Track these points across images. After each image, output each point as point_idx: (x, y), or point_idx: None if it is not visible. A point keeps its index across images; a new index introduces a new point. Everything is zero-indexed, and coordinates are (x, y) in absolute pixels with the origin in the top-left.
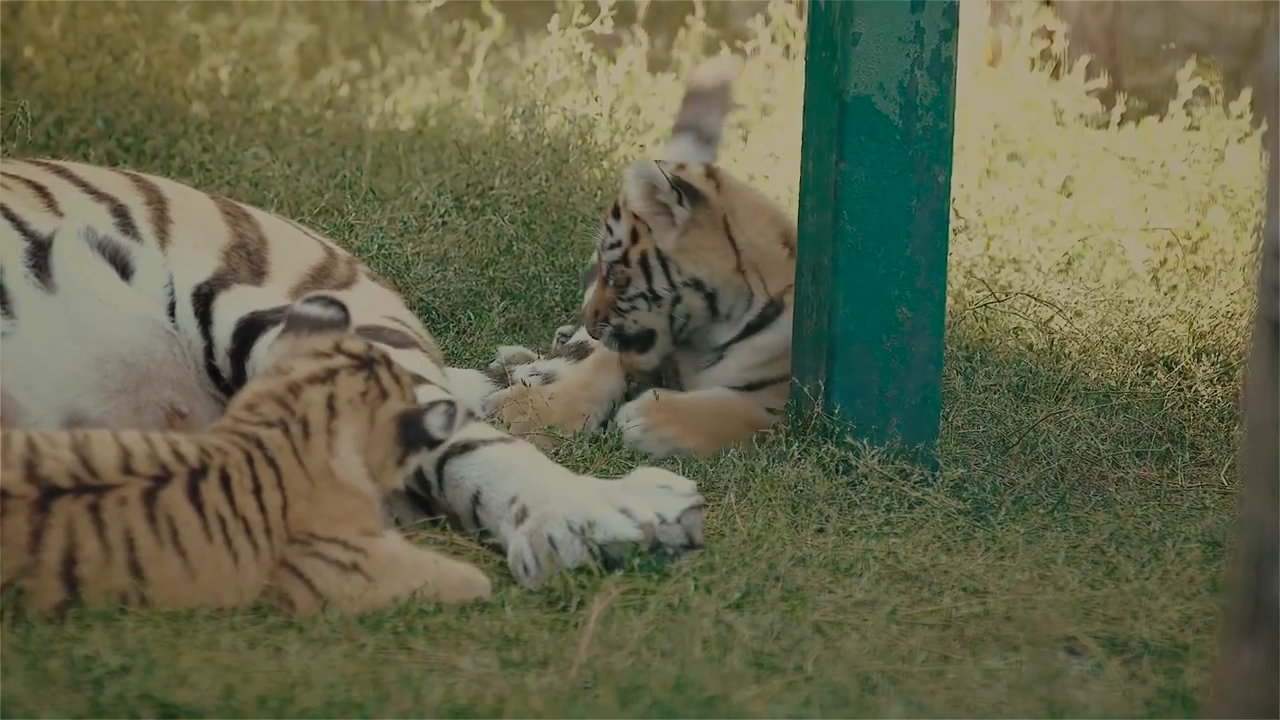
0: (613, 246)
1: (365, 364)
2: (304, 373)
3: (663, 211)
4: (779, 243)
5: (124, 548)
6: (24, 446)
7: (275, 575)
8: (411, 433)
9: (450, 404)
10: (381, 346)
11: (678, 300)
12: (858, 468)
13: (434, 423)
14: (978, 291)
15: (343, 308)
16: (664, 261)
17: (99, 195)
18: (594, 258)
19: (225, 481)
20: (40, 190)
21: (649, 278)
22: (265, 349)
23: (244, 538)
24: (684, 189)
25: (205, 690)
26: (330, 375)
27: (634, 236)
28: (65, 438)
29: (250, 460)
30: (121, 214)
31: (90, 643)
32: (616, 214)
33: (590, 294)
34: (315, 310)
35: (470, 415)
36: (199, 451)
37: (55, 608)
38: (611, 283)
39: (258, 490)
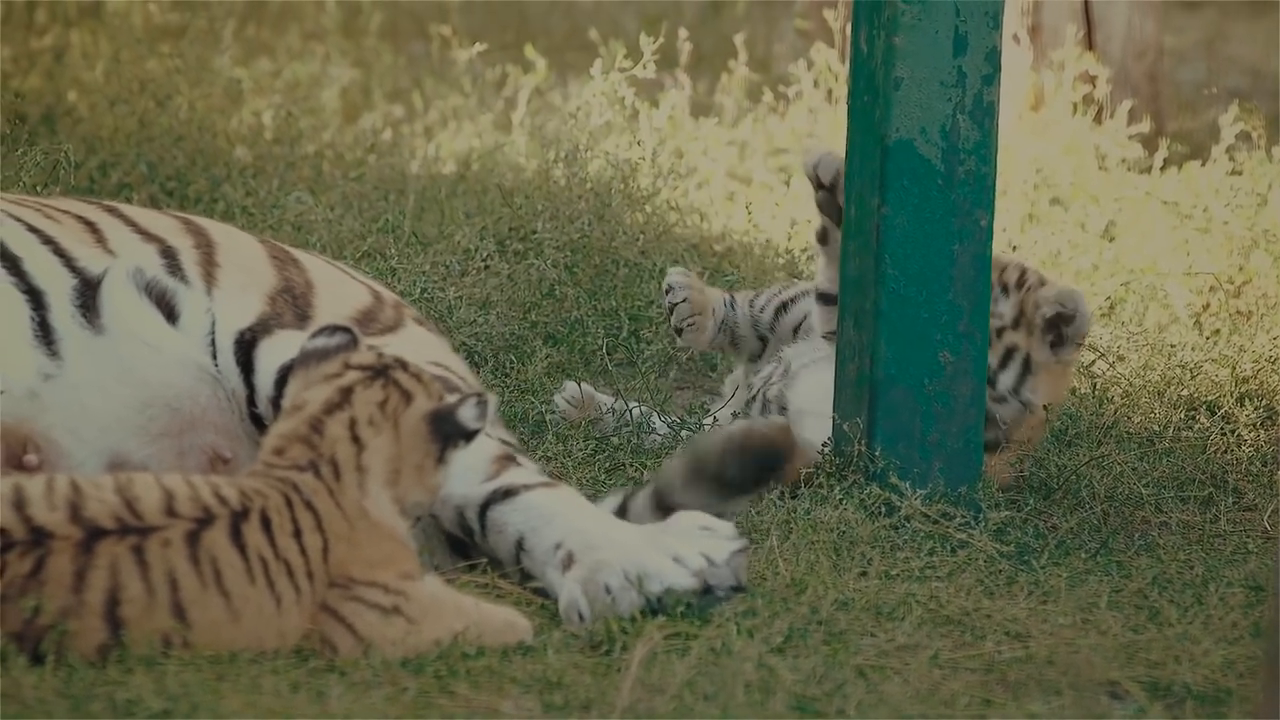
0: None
1: (379, 372)
2: (320, 402)
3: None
4: None
5: (167, 589)
6: (69, 488)
7: (316, 619)
8: (445, 428)
9: (480, 396)
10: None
11: None
12: (900, 509)
13: (467, 414)
14: None
15: (349, 331)
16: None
17: (148, 236)
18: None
19: (266, 524)
20: (91, 227)
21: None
22: None
23: (286, 580)
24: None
25: None
26: (345, 395)
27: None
28: (109, 480)
29: (290, 503)
30: (170, 256)
31: (132, 686)
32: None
33: None
34: (321, 341)
35: (512, 460)
36: (240, 494)
37: (98, 649)
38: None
39: (298, 533)
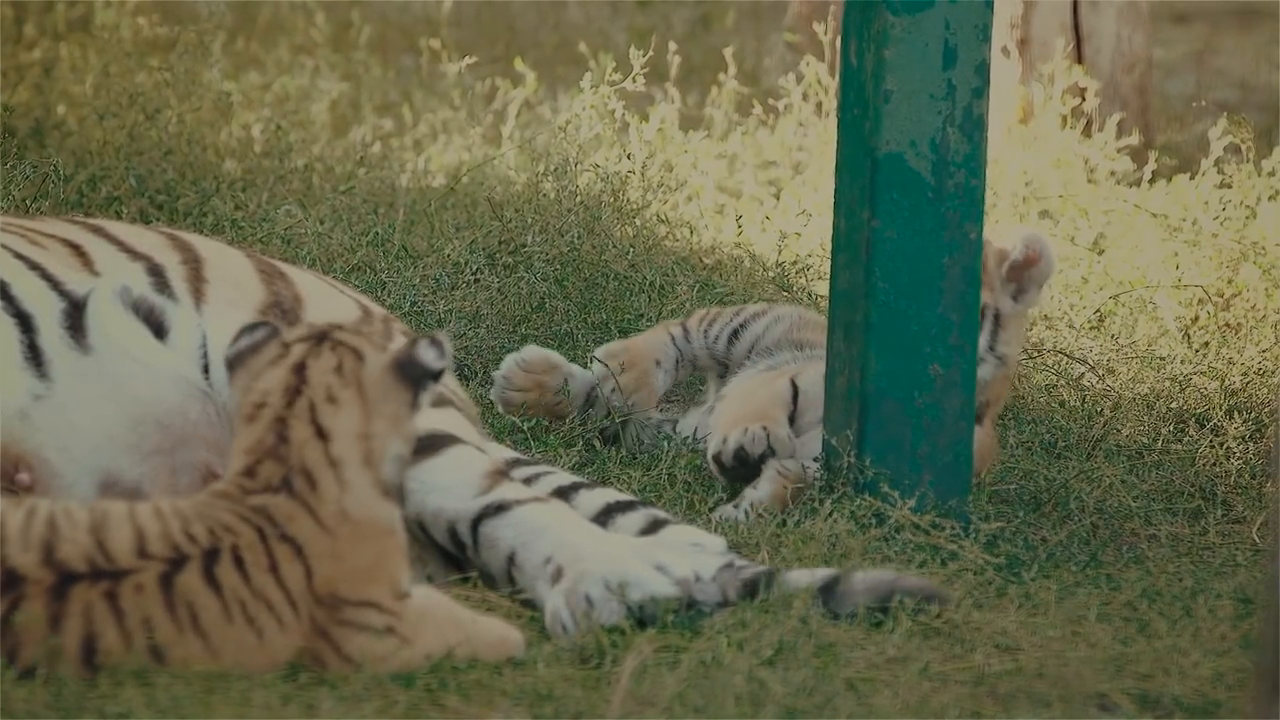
0: None
1: (320, 338)
2: (279, 392)
3: None
4: None
5: (143, 634)
6: (45, 526)
7: (307, 636)
8: (411, 372)
9: (434, 337)
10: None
11: None
12: (891, 518)
13: (429, 355)
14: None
15: (269, 324)
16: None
17: (135, 254)
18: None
19: (239, 563)
20: (76, 249)
21: None
22: None
23: (267, 614)
24: None
25: None
26: (300, 372)
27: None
28: (84, 516)
29: (263, 536)
30: (157, 273)
31: (123, 700)
32: None
33: None
34: (246, 339)
35: (503, 475)
36: (208, 532)
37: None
38: None
39: (274, 568)
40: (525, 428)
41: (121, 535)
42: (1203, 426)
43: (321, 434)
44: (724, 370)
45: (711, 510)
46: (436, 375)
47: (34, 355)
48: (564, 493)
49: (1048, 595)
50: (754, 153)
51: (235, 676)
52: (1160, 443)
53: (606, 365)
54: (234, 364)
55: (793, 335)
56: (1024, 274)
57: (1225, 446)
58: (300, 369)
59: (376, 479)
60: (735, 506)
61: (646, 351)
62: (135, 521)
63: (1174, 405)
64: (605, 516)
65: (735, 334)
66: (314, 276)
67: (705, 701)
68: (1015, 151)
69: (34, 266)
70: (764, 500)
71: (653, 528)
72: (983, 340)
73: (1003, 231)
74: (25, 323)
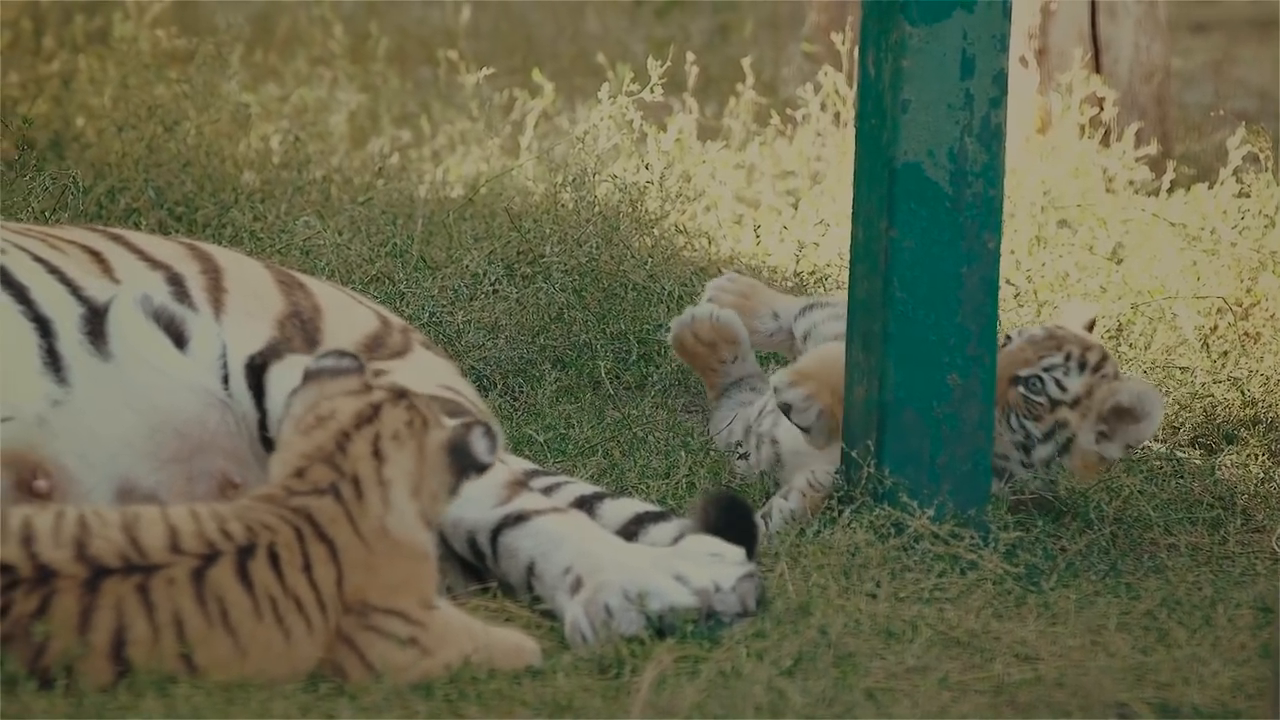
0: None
1: (401, 395)
2: (350, 414)
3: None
4: None
5: (173, 628)
6: (76, 525)
7: (331, 644)
8: (461, 460)
9: (487, 426)
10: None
11: None
12: (910, 527)
13: (480, 448)
14: None
15: (356, 358)
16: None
17: (154, 263)
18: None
19: (274, 560)
20: (96, 256)
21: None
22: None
23: (296, 615)
24: None
25: None
26: (375, 410)
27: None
28: (116, 516)
29: (300, 536)
30: (177, 282)
31: (143, 711)
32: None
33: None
34: (331, 361)
35: (522, 485)
36: (246, 529)
37: (104, 690)
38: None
39: (308, 567)
40: (555, 431)
41: (154, 532)
42: (1222, 436)
43: (379, 455)
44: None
45: None
46: (481, 470)
47: (53, 360)
48: (586, 502)
49: (1067, 604)
50: (772, 163)
51: (255, 686)
52: (1179, 452)
53: (806, 396)
54: (311, 377)
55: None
56: (1121, 423)
57: (1245, 455)
58: (376, 408)
59: (420, 510)
60: (764, 518)
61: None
62: (168, 520)
63: (1193, 414)
64: (636, 526)
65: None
66: (332, 287)
67: (725, 711)
68: (1033, 161)
69: (53, 271)
70: (794, 511)
71: (684, 538)
72: (1044, 453)
73: (1120, 375)
74: (44, 327)
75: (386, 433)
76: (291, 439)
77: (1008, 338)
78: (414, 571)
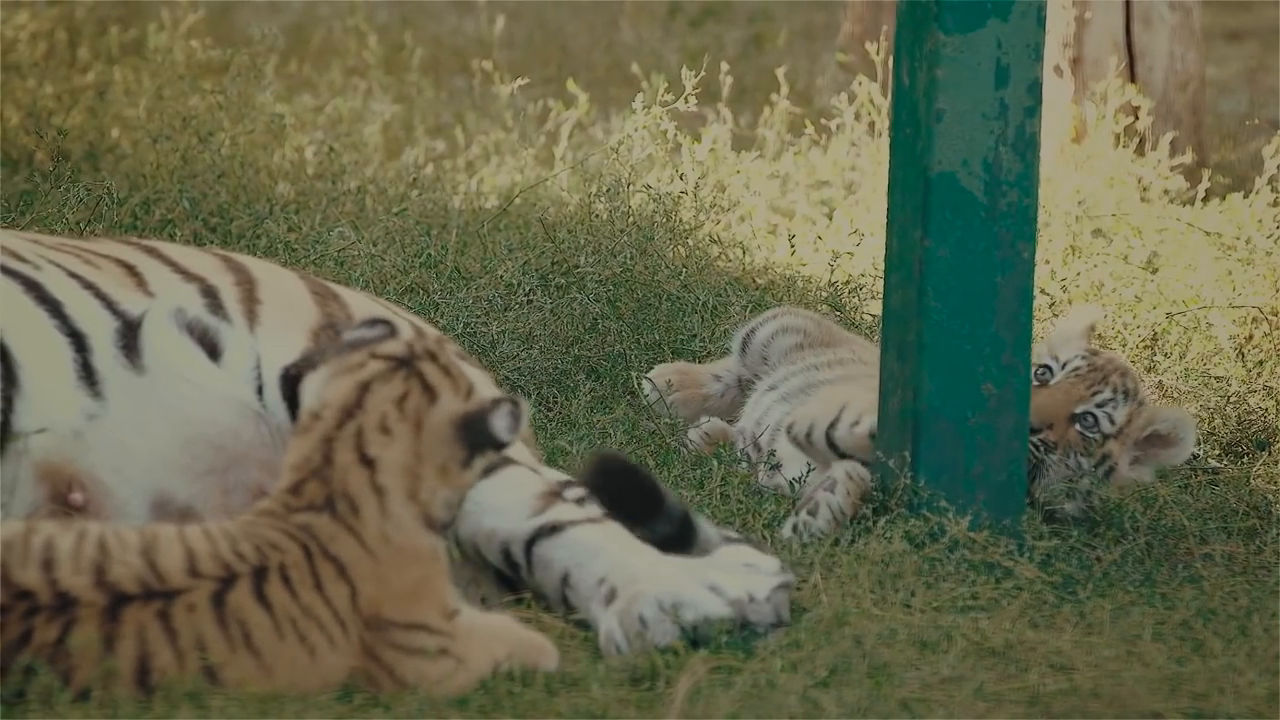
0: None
1: (403, 363)
2: (335, 408)
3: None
4: None
5: (196, 654)
6: (95, 549)
7: (359, 657)
8: (474, 435)
9: (513, 401)
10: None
11: None
12: (945, 537)
13: (500, 424)
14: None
15: (387, 323)
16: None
17: (188, 275)
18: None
19: (287, 580)
20: (130, 269)
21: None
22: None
23: (318, 632)
24: None
25: None
26: (361, 393)
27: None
28: (135, 538)
29: (309, 555)
30: (211, 294)
31: None
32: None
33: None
34: (358, 333)
35: (556, 495)
36: (256, 549)
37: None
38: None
39: (319, 586)
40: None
41: (172, 555)
42: (1256, 445)
43: (366, 461)
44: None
45: (768, 526)
46: (500, 446)
47: (88, 374)
48: None
49: (1102, 614)
50: (806, 173)
51: (289, 698)
52: (1214, 461)
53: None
54: (322, 357)
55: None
56: (1155, 448)
57: None
58: (364, 388)
59: (421, 513)
60: (811, 514)
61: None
62: (185, 542)
63: (1228, 423)
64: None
65: (748, 336)
66: (367, 298)
67: None
68: (1068, 170)
69: (88, 286)
70: (839, 506)
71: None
72: (1086, 483)
73: (1159, 410)
74: (79, 342)
75: (371, 424)
76: (292, 441)
77: (1045, 369)
78: (425, 576)
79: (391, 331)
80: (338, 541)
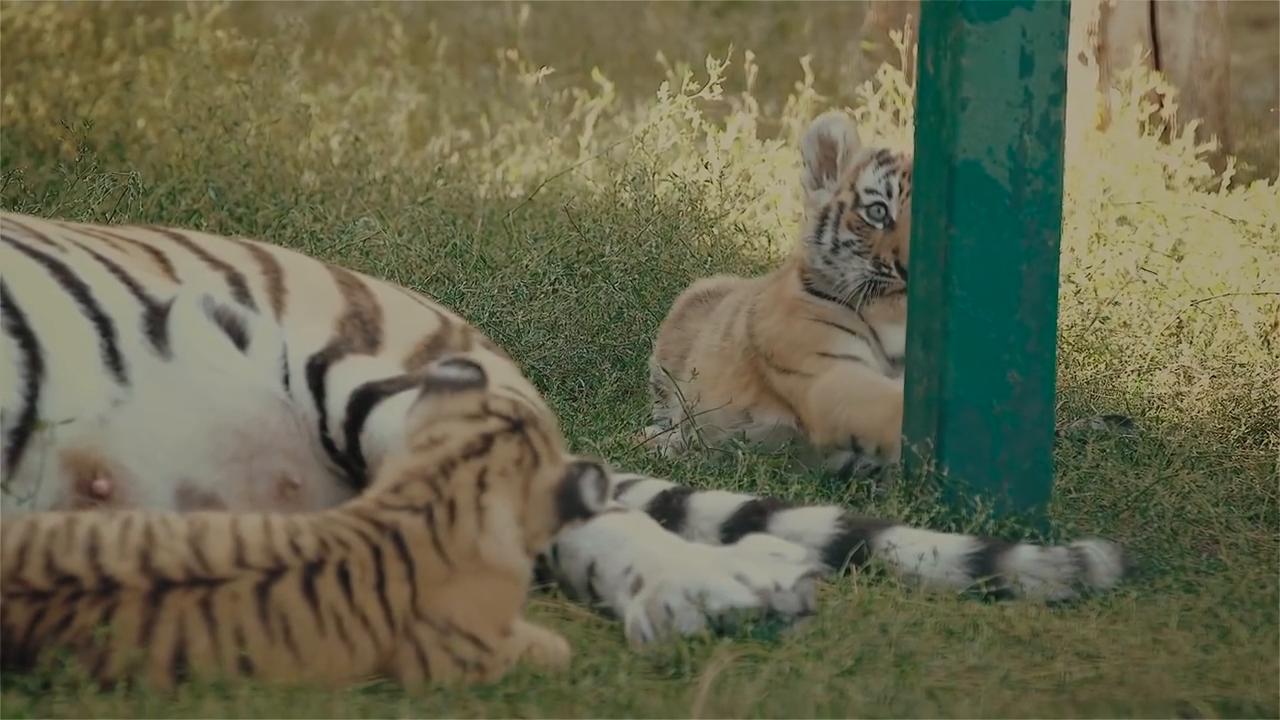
0: None
1: (517, 427)
2: (460, 443)
3: None
4: None
5: (234, 643)
6: (142, 535)
7: (397, 649)
8: (568, 506)
9: (599, 469)
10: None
11: None
12: (972, 523)
13: (589, 495)
14: (1087, 355)
15: (479, 368)
16: None
17: (216, 263)
18: None
19: (344, 576)
20: (158, 255)
21: None
22: (377, 421)
23: (361, 631)
24: None
25: None
26: (487, 443)
27: None
28: (183, 527)
29: (378, 555)
30: (238, 282)
31: (204, 713)
32: None
33: None
34: (453, 373)
35: None
36: (318, 544)
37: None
38: None
39: (381, 584)
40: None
41: (220, 545)
42: None
43: (482, 485)
44: None
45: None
46: (588, 516)
47: (113, 360)
48: (674, 495)
49: (1128, 602)
50: None
51: (315, 689)
52: (1240, 448)
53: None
54: (431, 388)
55: None
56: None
57: None
58: (488, 440)
59: (523, 535)
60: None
61: None
62: (236, 532)
63: (1254, 411)
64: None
65: None
66: (393, 288)
67: (785, 711)
68: (1093, 158)
69: (115, 270)
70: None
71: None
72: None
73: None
74: (105, 326)
75: (495, 468)
76: (400, 454)
77: (880, 207)
78: (502, 594)
79: (484, 377)
80: (420, 547)
